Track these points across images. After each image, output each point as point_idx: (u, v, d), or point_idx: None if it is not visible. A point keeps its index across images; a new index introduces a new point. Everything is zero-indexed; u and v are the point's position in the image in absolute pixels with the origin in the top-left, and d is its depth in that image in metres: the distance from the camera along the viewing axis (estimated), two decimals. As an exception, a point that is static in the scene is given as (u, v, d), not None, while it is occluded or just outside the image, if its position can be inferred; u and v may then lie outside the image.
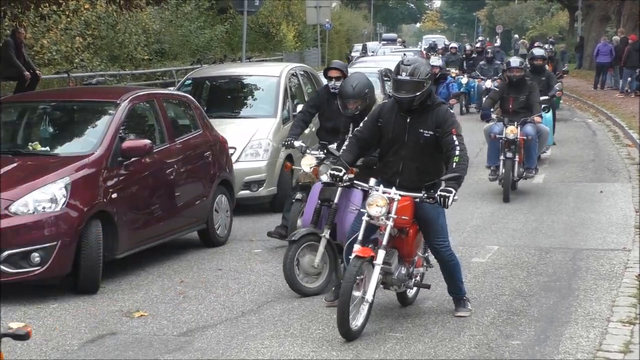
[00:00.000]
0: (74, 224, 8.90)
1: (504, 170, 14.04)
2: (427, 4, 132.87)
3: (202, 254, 10.90)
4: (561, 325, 7.95)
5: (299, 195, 10.31)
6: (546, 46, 28.81)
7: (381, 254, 7.47)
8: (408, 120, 7.76)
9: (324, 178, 9.53)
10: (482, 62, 27.23)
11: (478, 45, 33.22)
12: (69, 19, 27.62)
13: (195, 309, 8.58)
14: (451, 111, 7.62)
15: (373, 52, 50.89)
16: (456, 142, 7.53)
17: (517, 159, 14.17)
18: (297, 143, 10.60)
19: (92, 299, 8.91)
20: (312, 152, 10.38)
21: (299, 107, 14.32)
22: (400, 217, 7.50)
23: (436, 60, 18.34)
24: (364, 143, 7.99)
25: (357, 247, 7.45)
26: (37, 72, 20.41)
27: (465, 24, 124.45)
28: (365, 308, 7.49)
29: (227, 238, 11.54)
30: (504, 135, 14.07)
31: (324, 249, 8.96)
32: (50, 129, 10.45)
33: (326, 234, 8.95)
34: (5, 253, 8.65)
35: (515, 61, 14.84)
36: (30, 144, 10.07)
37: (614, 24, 49.47)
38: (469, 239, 11.45)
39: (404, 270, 7.89)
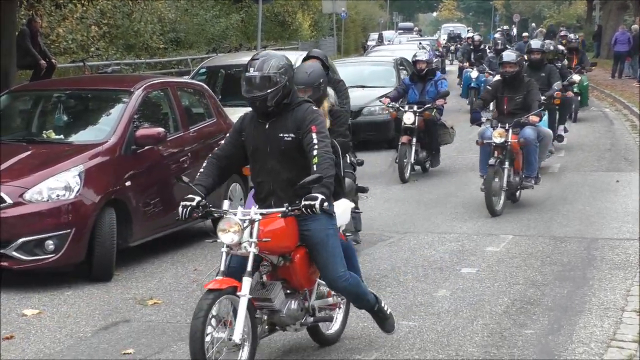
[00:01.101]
0: (88, 211, 8.92)
1: (485, 180, 12.05)
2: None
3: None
4: (575, 314, 7.92)
5: None
6: (571, 35, 25.62)
7: (246, 283, 6.06)
8: (267, 126, 6.47)
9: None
10: (490, 54, 24.63)
11: (498, 35, 30.70)
12: (84, 8, 27.72)
13: (209, 297, 8.56)
14: (315, 108, 6.48)
15: (389, 41, 50.79)
16: (315, 141, 6.29)
17: (506, 165, 12.19)
18: None
19: (106, 286, 8.93)
20: None
21: None
22: (262, 240, 6.11)
23: (422, 54, 15.59)
24: (226, 162, 6.67)
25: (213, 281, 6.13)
26: (53, 60, 20.47)
27: (482, 13, 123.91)
28: (239, 354, 6.16)
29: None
30: (491, 140, 12.22)
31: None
32: (65, 117, 10.49)
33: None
34: (20, 240, 8.68)
35: (508, 55, 12.86)
36: (44, 132, 10.10)
37: (632, 12, 49.15)
38: (484, 227, 11.41)
39: (294, 305, 6.54)
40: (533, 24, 72.49)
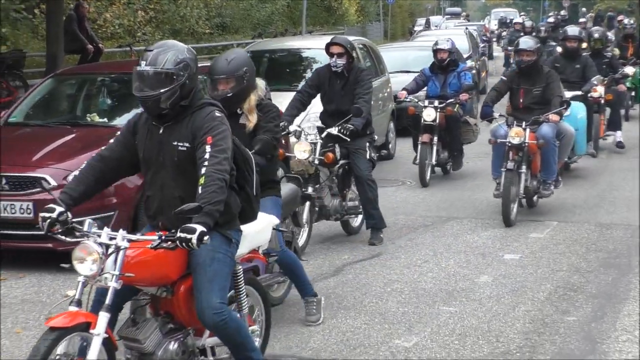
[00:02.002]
0: (131, 193, 8.97)
1: (502, 185, 10.67)
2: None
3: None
4: (619, 302, 7.83)
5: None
6: (626, 21, 23.32)
7: (102, 319, 4.97)
8: (161, 130, 5.41)
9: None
10: None
11: (552, 20, 28.54)
12: (131, -7, 27.85)
13: (250, 280, 8.58)
14: (218, 114, 5.32)
15: (436, 26, 50.44)
16: (206, 155, 5.17)
17: (523, 169, 10.82)
18: (292, 127, 9.57)
19: (148, 269, 8.96)
20: (309, 136, 9.65)
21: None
22: (125, 274, 5.05)
23: (444, 43, 13.81)
24: (113, 166, 5.54)
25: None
26: (100, 45, 20.61)
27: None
28: None
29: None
30: (507, 140, 10.76)
31: None
32: (109, 101, 10.55)
33: None
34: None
35: (525, 42, 11.35)
36: (88, 115, 10.18)
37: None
38: (528, 214, 11.30)
39: (173, 346, 5.41)
40: (583, 9, 71.43)
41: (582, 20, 43.44)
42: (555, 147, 11.05)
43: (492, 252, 9.55)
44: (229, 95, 6.81)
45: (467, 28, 30.02)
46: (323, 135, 9.61)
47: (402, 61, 19.81)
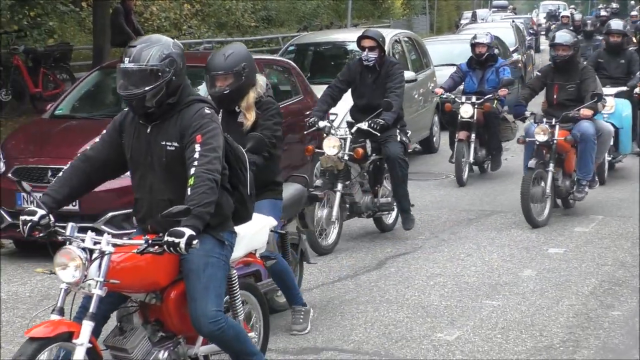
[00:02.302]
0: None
1: (522, 183, 10.25)
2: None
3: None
4: (665, 296, 7.76)
5: (318, 182, 9.37)
6: None
7: (86, 328, 4.72)
8: (149, 130, 5.14)
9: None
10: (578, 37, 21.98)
11: (603, 13, 27.41)
12: (177, -14, 27.99)
13: (293, 273, 8.62)
14: (208, 111, 5.07)
15: (483, 19, 50.14)
16: (196, 155, 4.92)
17: (550, 168, 10.29)
18: (322, 123, 9.40)
19: (192, 261, 9.02)
20: (338, 132, 9.46)
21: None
22: (110, 280, 4.79)
23: (482, 36, 13.27)
24: (98, 166, 5.28)
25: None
26: (146, 38, 20.72)
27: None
28: None
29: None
30: (534, 137, 10.33)
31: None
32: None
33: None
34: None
35: (562, 36, 10.85)
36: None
37: None
38: (573, 208, 11.20)
39: (163, 356, 5.17)
40: (632, 1, 70.40)
41: (633, 13, 41.90)
42: (594, 145, 10.56)
43: (536, 246, 9.49)
44: (226, 92, 6.53)
45: (513, 21, 29.85)
46: (353, 130, 9.43)
47: (448, 54, 19.70)
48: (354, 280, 8.35)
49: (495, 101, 13.04)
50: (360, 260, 9.03)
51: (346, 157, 9.30)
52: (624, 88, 13.05)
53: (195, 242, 4.70)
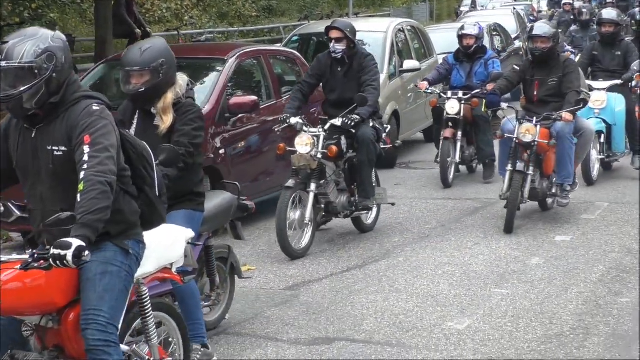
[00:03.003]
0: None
1: (509, 188, 9.55)
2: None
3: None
4: (672, 283, 7.80)
5: (290, 182, 8.91)
6: None
7: None
8: (33, 134, 4.63)
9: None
10: (573, 27, 18.63)
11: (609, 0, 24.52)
12: (178, -23, 27.98)
13: (301, 263, 8.67)
14: (97, 107, 4.52)
15: (482, 6, 50.07)
16: (85, 157, 4.41)
17: (530, 171, 9.62)
18: (293, 120, 9.05)
19: (201, 252, 9.06)
20: (310, 129, 9.06)
21: (407, 64, 14.24)
22: None
23: (470, 27, 12.40)
24: None
25: None
26: (148, 29, 20.71)
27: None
28: None
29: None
30: (515, 135, 9.61)
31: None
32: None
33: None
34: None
35: (540, 27, 10.08)
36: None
37: None
38: (579, 195, 11.21)
39: None
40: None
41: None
42: (572, 145, 9.87)
43: (542, 233, 9.53)
44: (141, 90, 5.90)
45: (514, 8, 29.80)
46: (326, 127, 9.00)
47: (449, 42, 19.64)
48: (362, 270, 8.39)
49: (484, 100, 12.07)
50: (368, 250, 9.07)
51: (319, 156, 8.90)
52: (618, 81, 11.99)
53: (85, 253, 4.18)
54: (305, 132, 9.00)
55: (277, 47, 14.97)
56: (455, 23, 29.77)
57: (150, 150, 4.94)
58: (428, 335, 6.69)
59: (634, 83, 12.28)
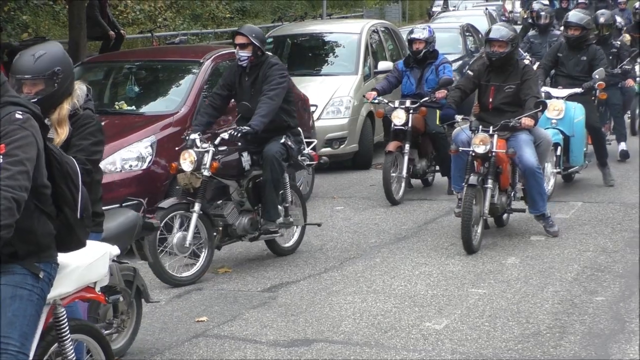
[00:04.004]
0: (160, 181, 9.09)
1: (464, 204, 8.82)
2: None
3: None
4: (646, 281, 7.89)
5: (165, 203, 8.23)
6: (638, 4, 17.31)
7: None
8: None
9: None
10: (531, 33, 16.59)
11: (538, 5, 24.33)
12: (151, -22, 27.93)
13: (279, 265, 8.70)
14: (19, 116, 4.18)
15: (454, 7, 50.30)
16: None
17: (489, 184, 8.98)
18: (193, 135, 8.34)
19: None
20: (203, 145, 8.31)
21: (381, 65, 14.29)
22: None
23: (419, 31, 11.58)
24: None
25: None
26: (122, 31, 20.67)
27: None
28: None
29: (309, 195, 11.60)
30: (470, 148, 9.02)
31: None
32: (136, 89, 10.65)
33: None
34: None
35: (498, 30, 9.41)
36: (116, 103, 10.28)
37: None
38: (552, 194, 11.31)
39: None
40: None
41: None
42: (542, 177, 9.31)
43: (518, 233, 9.61)
44: (34, 100, 5.11)
45: (486, 8, 30.00)
46: (216, 142, 8.31)
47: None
48: (340, 272, 8.43)
49: (437, 111, 11.25)
50: (345, 252, 9.10)
51: (206, 173, 8.16)
52: (578, 90, 11.15)
53: None
54: (189, 148, 8.25)
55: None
56: (428, 24, 29.90)
57: (79, 170, 4.58)
58: (406, 335, 6.73)
59: (598, 92, 11.59)
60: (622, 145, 13.47)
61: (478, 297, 7.54)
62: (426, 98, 11.19)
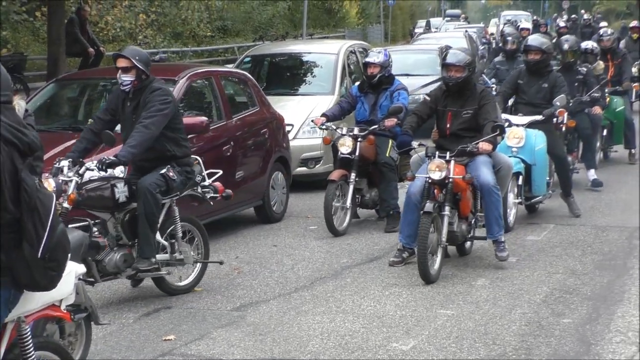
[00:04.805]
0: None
1: (420, 232, 8.51)
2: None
3: (258, 230, 11.03)
4: (614, 303, 7.93)
5: None
6: (602, 30, 17.14)
7: None
8: None
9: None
10: (498, 59, 15.86)
11: (524, 25, 22.63)
12: (133, -4, 28.00)
13: (249, 284, 8.70)
14: None
15: (436, 28, 50.62)
16: None
17: (447, 211, 8.73)
18: (63, 162, 7.71)
19: (149, 273, 9.06)
20: (69, 173, 7.64)
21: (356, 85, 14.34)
22: None
23: (374, 55, 11.09)
24: None
25: None
26: (101, 48, 20.74)
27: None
28: None
29: (283, 215, 11.65)
30: (426, 174, 8.74)
31: None
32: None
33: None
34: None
35: (454, 54, 9.18)
36: (90, 120, 10.26)
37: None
38: (525, 216, 11.39)
39: None
40: (582, 11, 71.16)
41: (603, 24, 34.84)
42: (498, 196, 9.00)
43: (489, 255, 9.64)
44: None
45: (466, 31, 30.22)
46: (81, 171, 7.69)
47: (402, 64, 19.92)
48: (310, 291, 8.44)
49: (390, 142, 10.72)
50: (316, 271, 9.12)
51: (65, 205, 7.43)
52: (539, 117, 10.92)
53: None
54: (55, 176, 7.64)
55: (229, 68, 15.05)
56: (408, 45, 30.11)
57: (52, 207, 4.41)
58: (373, 356, 6.74)
59: (559, 119, 11.28)
60: (592, 173, 13.26)
61: (446, 318, 7.57)
62: (375, 126, 10.71)
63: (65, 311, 4.92)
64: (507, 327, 7.35)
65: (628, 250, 9.77)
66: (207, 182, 8.57)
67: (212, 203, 8.70)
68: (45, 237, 4.35)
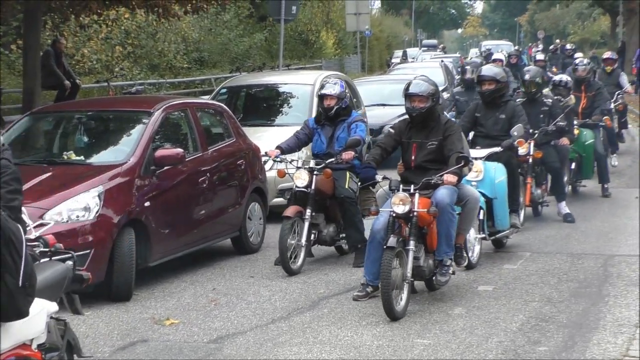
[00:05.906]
0: (107, 232, 9.04)
1: (382, 268, 8.29)
2: (468, 10, 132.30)
3: (235, 261, 11.02)
4: (589, 331, 7.96)
5: None
6: (580, 59, 16.83)
7: None
8: None
9: None
10: (457, 89, 15.76)
11: (540, 56, 22.59)
12: (109, 29, 28.00)
13: (226, 316, 8.68)
14: None
15: (413, 58, 50.86)
16: None
17: (411, 245, 8.48)
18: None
19: (125, 306, 9.03)
20: None
21: None
22: None
23: (331, 87, 10.67)
24: None
25: None
26: (78, 81, 20.73)
27: (507, 29, 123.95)
28: None
29: (260, 245, 11.64)
30: (390, 208, 8.52)
31: None
32: (85, 139, 10.65)
33: None
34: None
35: (417, 84, 8.93)
36: (65, 153, 10.25)
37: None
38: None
39: None
40: (557, 40, 71.57)
41: (579, 55, 33.54)
42: (452, 217, 8.78)
43: (466, 283, 9.67)
44: None
45: (442, 60, 30.41)
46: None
47: (378, 94, 20.11)
48: (287, 322, 8.42)
49: (349, 175, 10.46)
50: (293, 302, 9.11)
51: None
52: (497, 149, 10.75)
53: None
54: None
55: (205, 99, 15.09)
56: (384, 76, 30.26)
57: (23, 236, 4.46)
58: (349, 386, 6.74)
59: (520, 151, 11.28)
60: (563, 205, 13.02)
61: (423, 348, 7.57)
62: (332, 159, 10.41)
63: (36, 350, 4.85)
64: (484, 355, 7.36)
65: (603, 278, 9.82)
66: (36, 234, 6.91)
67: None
68: (22, 266, 4.44)
